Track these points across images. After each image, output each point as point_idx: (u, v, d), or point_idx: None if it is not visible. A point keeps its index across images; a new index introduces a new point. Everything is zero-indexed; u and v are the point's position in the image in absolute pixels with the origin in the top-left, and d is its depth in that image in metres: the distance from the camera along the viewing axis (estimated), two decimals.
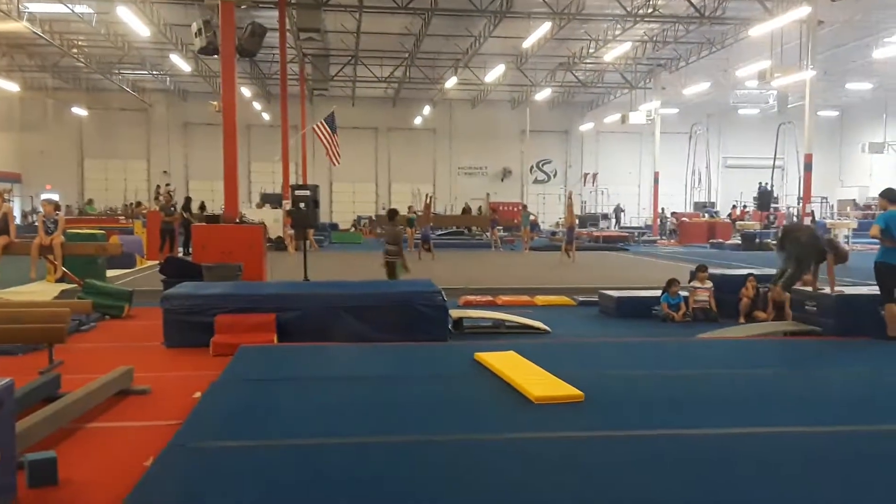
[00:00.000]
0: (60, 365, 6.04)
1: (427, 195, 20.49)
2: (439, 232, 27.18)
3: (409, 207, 23.74)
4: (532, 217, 25.45)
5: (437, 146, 38.31)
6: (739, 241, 24.26)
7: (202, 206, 22.71)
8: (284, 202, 22.74)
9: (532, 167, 38.34)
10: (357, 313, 7.27)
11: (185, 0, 20.44)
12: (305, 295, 7.53)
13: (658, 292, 9.49)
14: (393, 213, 10.83)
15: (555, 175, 39.76)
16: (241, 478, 3.46)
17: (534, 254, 21.10)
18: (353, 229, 32.94)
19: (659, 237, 30.11)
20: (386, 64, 30.15)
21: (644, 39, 26.46)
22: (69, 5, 21.59)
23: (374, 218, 34.16)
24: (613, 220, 36.84)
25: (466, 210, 34.48)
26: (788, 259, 8.39)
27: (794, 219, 25.01)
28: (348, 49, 27.58)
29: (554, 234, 28.14)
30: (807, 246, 8.22)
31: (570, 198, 19.79)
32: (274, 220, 21.68)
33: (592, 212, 37.87)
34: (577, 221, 21.02)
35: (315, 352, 6.43)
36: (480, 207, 35.61)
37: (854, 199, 35.31)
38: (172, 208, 17.55)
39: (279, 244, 20.29)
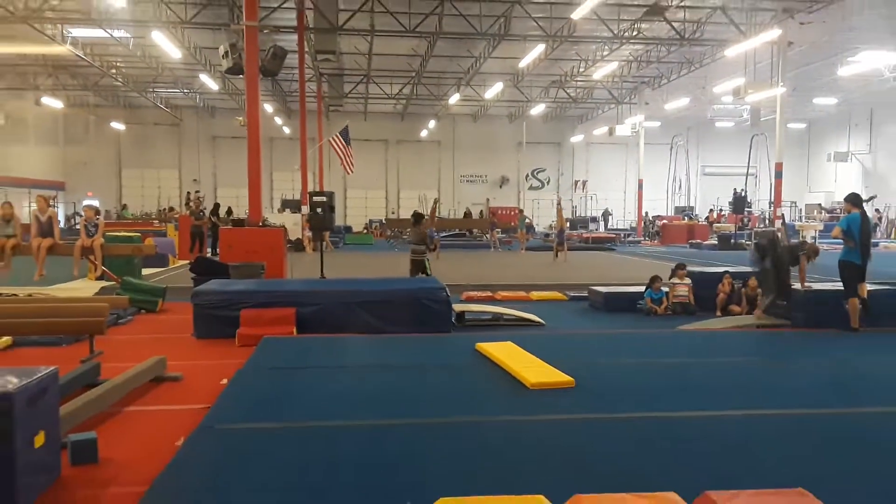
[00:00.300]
0: (100, 354, 6.06)
1: (434, 200, 20.53)
2: (443, 234, 27.18)
3: (416, 211, 23.76)
4: (528, 220, 25.41)
5: (441, 156, 38.28)
6: (716, 242, 24.19)
7: (229, 211, 22.78)
8: (303, 207, 22.78)
9: (528, 175, 38.28)
10: (369, 308, 7.28)
11: (213, 25, 20.46)
12: (322, 291, 7.54)
13: (642, 288, 9.48)
14: (419, 217, 10.94)
15: (548, 182, 39.68)
16: (265, 457, 3.47)
17: (529, 254, 21.07)
18: (365, 231, 32.93)
19: (643, 238, 30.03)
20: (395, 82, 30.17)
21: (629, 59, 26.43)
22: (108, 30, 21.64)
23: (384, 221, 34.15)
24: (602, 223, 36.78)
25: (468, 214, 34.47)
26: (766, 272, 8.21)
27: (766, 222, 24.94)
28: (361, 69, 27.61)
29: (547, 235, 28.09)
30: (783, 255, 8.16)
31: (559, 204, 19.80)
32: (293, 224, 21.72)
33: (583, 215, 37.83)
34: (567, 224, 20.98)
35: (331, 343, 6.44)
36: (482, 212, 35.60)
37: (820, 204, 35.19)
38: (202, 213, 17.57)
39: (298, 245, 20.30)
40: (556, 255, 17.81)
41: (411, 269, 10.20)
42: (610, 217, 37.31)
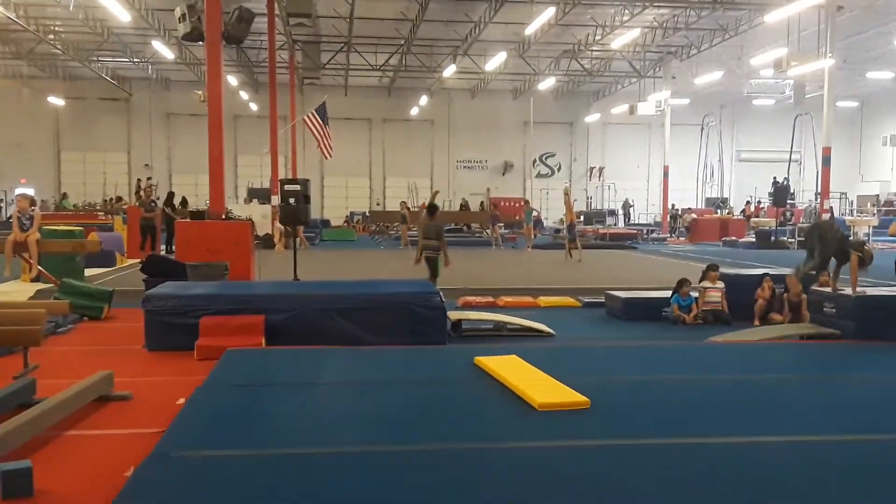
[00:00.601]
0: (36, 369, 6.03)
1: (434, 192, 20.73)
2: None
3: (402, 203, 23.76)
4: (535, 213, 25.45)
5: (434, 138, 38.31)
6: (753, 239, 24.28)
7: (183, 202, 22.65)
8: (273, 197, 22.76)
9: (535, 160, 38.35)
10: (350, 315, 7.27)
11: None
12: (295, 295, 7.53)
13: (668, 293, 9.51)
14: (433, 209, 11.08)
15: (559, 169, 39.77)
16: (227, 490, 3.46)
17: (537, 252, 21.11)
18: (345, 226, 32.93)
19: (668, 235, 30.14)
20: (381, 51, 30.14)
21: (653, 25, 26.46)
22: None
23: (367, 214, 34.18)
24: (621, 217, 36.89)
25: (464, 206, 34.47)
26: (810, 257, 8.44)
27: (814, 215, 25.04)
28: (341, 35, 27.56)
29: (558, 231, 28.14)
30: (831, 243, 8.24)
31: (567, 194, 19.62)
32: (262, 217, 21.70)
33: (599, 208, 37.92)
34: (579, 219, 21.03)
35: (305, 355, 6.42)
36: (482, 203, 35.68)
37: (877, 195, 35.35)
38: (153, 204, 17.50)
39: (267, 242, 20.28)
40: (569, 255, 17.83)
41: (429, 267, 10.36)
42: (631, 210, 37.45)
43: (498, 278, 13.67)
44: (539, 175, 38.86)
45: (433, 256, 10.34)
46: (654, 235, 29.01)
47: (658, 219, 35.42)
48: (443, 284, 9.50)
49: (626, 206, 37.27)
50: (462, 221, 30.74)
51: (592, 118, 37.81)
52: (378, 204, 37.59)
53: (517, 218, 28.83)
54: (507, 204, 32.93)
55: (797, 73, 23.51)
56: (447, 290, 9.80)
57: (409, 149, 37.84)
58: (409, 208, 24.51)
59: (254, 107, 34.47)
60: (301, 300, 7.38)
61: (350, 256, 19.25)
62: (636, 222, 35.94)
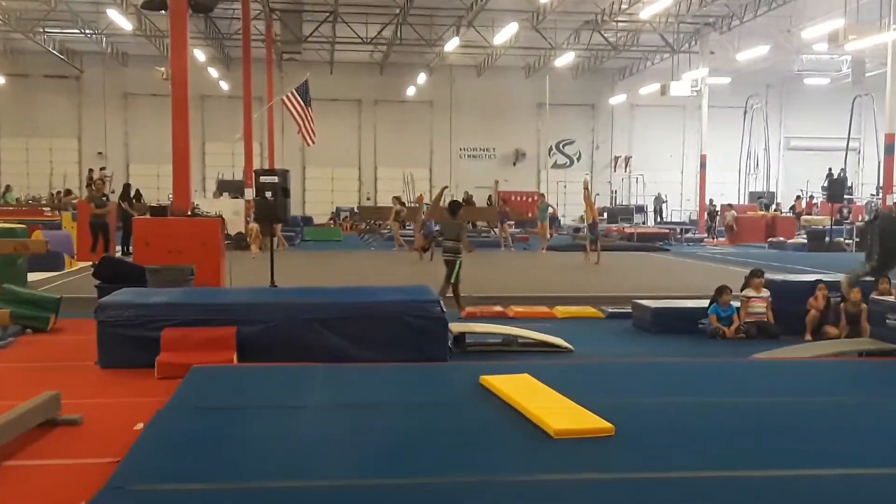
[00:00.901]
0: None
1: (443, 188, 20.89)
2: (436, 228, 27.25)
3: (396, 198, 23.75)
4: (551, 210, 25.49)
5: (434, 123, 38.39)
6: (805, 241, 24.28)
7: (137, 195, 22.30)
8: (247, 190, 22.82)
9: (551, 148, 38.37)
10: (335, 327, 7.27)
11: None
12: (272, 304, 7.54)
13: (705, 302, 9.51)
14: (456, 206, 11.33)
15: (578, 158, 39.84)
16: None
17: (553, 255, 21.12)
18: (330, 224, 32.97)
19: (705, 235, 30.17)
20: (372, 22, 30.19)
21: None
22: None
23: (356, 210, 34.20)
24: (652, 214, 36.85)
25: (467, 201, 34.30)
26: (869, 258, 8.37)
27: (874, 215, 25.01)
28: (326, 3, 27.61)
29: (577, 230, 28.18)
30: (894, 241, 8.19)
31: (587, 188, 19.59)
32: (234, 213, 21.74)
33: (625, 203, 37.94)
34: (599, 216, 21.04)
35: (284, 374, 6.43)
36: (489, 198, 35.61)
37: None
38: (105, 198, 17.42)
39: (240, 242, 20.31)
40: (589, 257, 17.87)
41: (447, 271, 10.59)
42: (664, 206, 37.40)
43: (507, 285, 13.68)
44: (555, 165, 38.89)
45: (451, 259, 10.57)
46: (688, 236, 29.06)
47: (693, 216, 35.45)
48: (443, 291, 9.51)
49: (659, 201, 37.32)
50: (466, 219, 30.71)
51: (618, 100, 37.86)
52: (368, 198, 37.66)
53: (530, 215, 28.89)
54: (519, 199, 32.98)
55: (856, 48, 23.53)
56: (448, 298, 9.84)
57: (404, 135, 37.92)
58: (403, 203, 24.53)
59: (224, 86, 34.55)
60: (279, 310, 7.38)
61: (336, 259, 19.27)
62: (668, 220, 35.97)
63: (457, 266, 10.53)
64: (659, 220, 36.09)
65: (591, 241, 18.25)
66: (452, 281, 10.51)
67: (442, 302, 7.64)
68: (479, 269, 16.88)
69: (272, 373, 6.45)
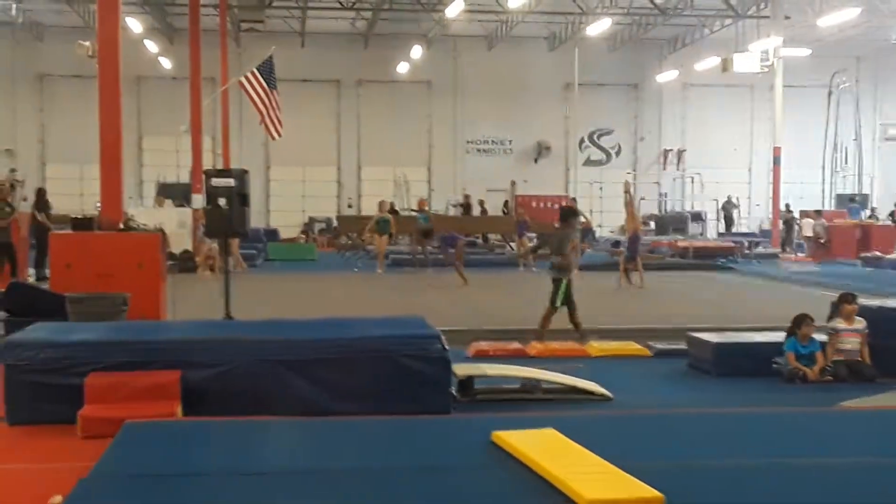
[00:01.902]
0: None
1: (465, 197, 20.91)
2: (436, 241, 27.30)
3: (382, 204, 23.58)
4: (583, 220, 25.41)
5: (433, 109, 38.41)
6: None
7: (40, 198, 20.62)
8: (195, 197, 22.82)
9: (583, 141, 38.46)
10: (307, 371, 7.27)
11: None
12: (227, 342, 7.55)
13: (780, 336, 9.48)
14: (568, 213, 11.78)
15: (618, 153, 39.82)
16: None
17: (586, 276, 21.03)
18: (302, 239, 32.95)
19: (781, 249, 30.12)
20: None
21: None
22: None
23: (334, 222, 34.17)
24: (719, 223, 36.47)
25: (465, 206, 34.17)
26: None
27: None
28: None
29: (617, 244, 28.19)
30: None
31: (627, 191, 19.56)
32: (178, 226, 21.74)
33: (677, 210, 37.85)
34: (643, 225, 20.97)
35: (241, 431, 6.42)
36: (505, 203, 35.64)
37: None
38: (8, 208, 17.06)
39: (186, 263, 20.33)
40: (626, 279, 17.80)
41: (552, 292, 10.94)
42: (736, 212, 37.03)
43: (527, 314, 13.60)
44: (589, 162, 38.95)
45: (559, 278, 10.91)
46: (759, 250, 29.00)
47: (765, 225, 35.32)
48: (444, 322, 9.49)
49: (729, 207, 36.69)
50: (474, 231, 30.70)
51: (667, 78, 37.93)
52: (350, 206, 37.67)
53: (556, 225, 28.83)
54: (542, 205, 32.96)
55: None
56: (452, 332, 9.78)
57: (395, 125, 37.90)
58: (396, 211, 24.40)
59: (167, 64, 34.63)
60: (235, 349, 7.39)
61: (308, 284, 19.26)
62: (736, 231, 35.77)
63: (562, 286, 10.81)
64: (728, 230, 35.75)
65: (626, 259, 18.18)
66: (558, 304, 10.81)
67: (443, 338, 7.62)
68: (491, 295, 16.88)
69: (227, 430, 6.44)
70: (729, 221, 36.46)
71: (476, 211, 34.06)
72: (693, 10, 33.34)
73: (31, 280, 16.07)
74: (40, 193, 19.70)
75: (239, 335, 7.91)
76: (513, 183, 37.05)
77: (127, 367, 7.12)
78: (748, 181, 39.83)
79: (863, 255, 25.94)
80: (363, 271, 22.65)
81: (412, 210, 27.70)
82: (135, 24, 31.94)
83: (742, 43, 32.51)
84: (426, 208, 24.81)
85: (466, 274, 18.31)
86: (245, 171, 11.49)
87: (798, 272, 22.44)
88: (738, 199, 37.47)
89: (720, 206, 36.32)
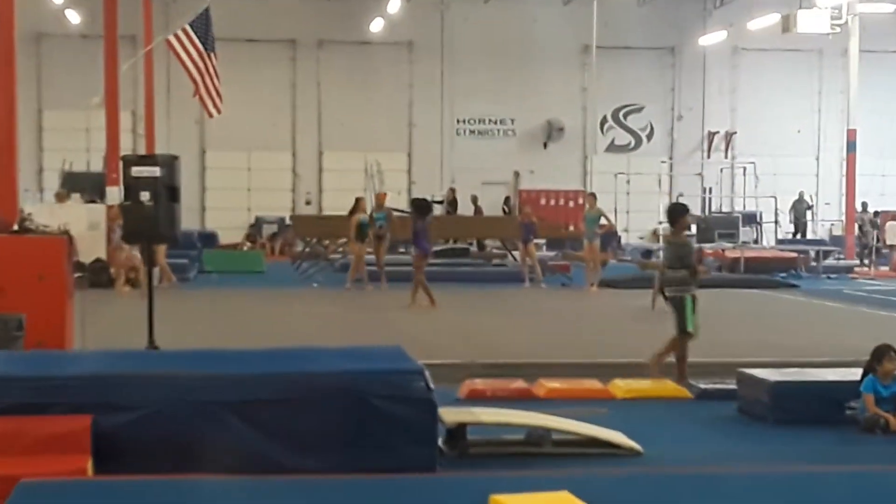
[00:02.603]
0: None
1: (451, 189, 20.95)
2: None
3: (360, 200, 23.52)
4: (604, 224, 25.40)
5: (415, 78, 38.36)
6: None
7: None
8: (109, 190, 22.76)
9: (605, 120, 38.55)
10: (253, 415, 7.25)
11: None
12: (150, 378, 7.52)
13: (856, 373, 9.51)
14: (680, 212, 11.80)
15: (650, 136, 39.80)
16: None
17: (609, 294, 21.14)
18: (246, 245, 32.90)
19: (858, 261, 30.17)
20: None
21: None
22: None
23: (286, 221, 34.05)
24: (790, 228, 36.26)
25: (451, 201, 34.07)
26: None
27: None
28: None
29: (648, 253, 28.28)
30: None
31: (673, 195, 19.59)
32: (89, 227, 21.65)
33: (725, 210, 37.81)
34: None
35: (168, 493, 6.40)
36: (507, 200, 35.66)
37: None
38: None
39: (99, 274, 20.25)
40: (665, 297, 17.77)
41: (675, 313, 11.12)
42: (811, 213, 36.69)
43: (535, 344, 13.67)
44: (613, 147, 39.02)
45: (679, 296, 11.09)
46: (829, 262, 29.04)
47: (837, 230, 35.29)
48: (430, 355, 9.49)
49: (800, 207, 36.54)
50: (466, 235, 30.64)
51: (712, 40, 37.98)
52: (309, 202, 37.59)
53: (571, 228, 28.84)
54: (553, 201, 33.01)
55: None
56: (439, 367, 9.79)
57: (367, 98, 37.85)
58: (385, 208, 24.02)
59: (74, 18, 34.53)
60: (161, 387, 7.35)
61: (255, 303, 19.22)
62: (799, 236, 35.78)
63: (687, 304, 11.03)
64: (799, 234, 35.58)
65: (663, 284, 18.13)
66: (689, 328, 10.99)
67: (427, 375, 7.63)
68: (489, 319, 16.85)
69: (149, 491, 6.41)
70: (800, 226, 36.35)
71: (466, 210, 33.98)
72: None
73: None
74: None
75: (166, 370, 7.86)
76: (516, 174, 37.14)
77: (22, 410, 7.08)
78: (815, 172, 39.88)
79: None
80: (325, 287, 22.63)
81: (401, 210, 27.03)
82: None
83: None
84: (385, 204, 24.25)
85: (452, 291, 18.26)
86: (175, 158, 11.46)
87: (879, 291, 22.49)
88: (811, 197, 37.35)
89: (790, 206, 36.09)
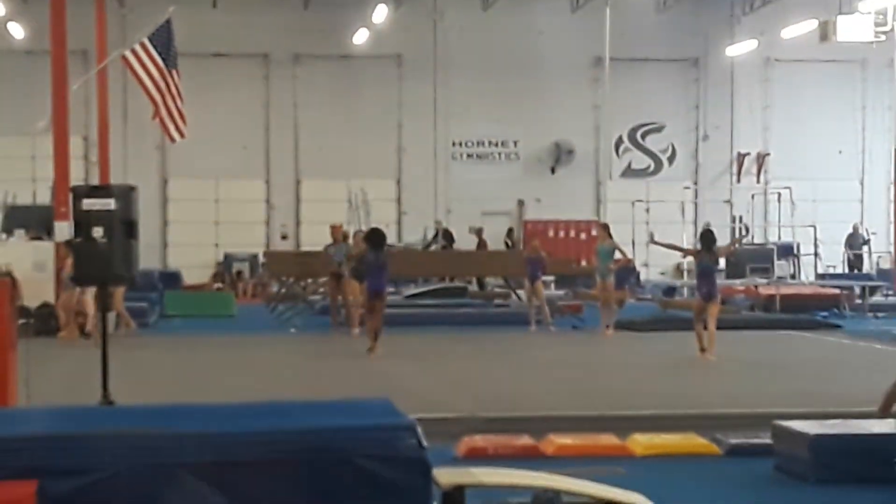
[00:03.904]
0: None
1: (478, 229, 20.94)
2: (411, 290, 27.37)
3: (336, 228, 23.41)
4: (620, 258, 25.41)
5: (404, 96, 38.41)
6: None
7: None
8: (59, 226, 22.76)
9: (621, 141, 38.63)
10: (222, 479, 7.22)
11: None
12: (105, 438, 7.50)
13: None
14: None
15: (671, 158, 39.89)
16: None
17: (626, 337, 21.14)
18: (215, 285, 32.89)
19: None
20: None
21: None
22: None
23: (261, 259, 34.03)
24: (842, 260, 36.05)
25: (446, 235, 34.03)
26: None
27: None
28: None
29: (670, 290, 28.30)
30: None
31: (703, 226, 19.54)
32: (35, 267, 21.68)
33: (758, 241, 37.78)
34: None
35: None
36: (509, 232, 35.69)
37: None
38: None
39: (46, 321, 20.25)
40: (702, 349, 17.73)
41: None
42: (867, 246, 36.38)
43: (541, 395, 13.67)
44: (630, 171, 39.10)
45: None
46: (875, 299, 29.05)
47: (886, 263, 35.27)
48: (424, 408, 9.49)
49: (855, 241, 36.22)
50: (464, 273, 30.69)
51: (741, 50, 38.16)
52: (285, 236, 37.58)
53: (583, 263, 28.88)
54: (562, 233, 33.04)
55: None
56: (433, 421, 9.81)
57: (350, 119, 37.92)
58: (348, 238, 23.99)
59: (18, 32, 34.68)
60: (117, 448, 7.33)
61: (224, 351, 19.19)
62: (841, 272, 35.69)
63: None
64: (853, 268, 35.33)
65: (702, 319, 18.11)
66: None
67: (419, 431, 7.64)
68: (491, 366, 16.86)
69: None
70: (855, 262, 36.19)
71: (468, 244, 34.02)
72: None
73: None
74: None
75: (122, 428, 7.87)
76: (520, 203, 37.21)
77: None
78: (859, 198, 39.93)
79: None
80: (304, 332, 22.61)
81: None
82: None
83: (846, 3, 32.76)
84: (341, 238, 23.95)
85: (447, 336, 18.21)
86: (132, 188, 11.47)
87: None
88: (867, 229, 37.04)
89: (844, 241, 35.83)
